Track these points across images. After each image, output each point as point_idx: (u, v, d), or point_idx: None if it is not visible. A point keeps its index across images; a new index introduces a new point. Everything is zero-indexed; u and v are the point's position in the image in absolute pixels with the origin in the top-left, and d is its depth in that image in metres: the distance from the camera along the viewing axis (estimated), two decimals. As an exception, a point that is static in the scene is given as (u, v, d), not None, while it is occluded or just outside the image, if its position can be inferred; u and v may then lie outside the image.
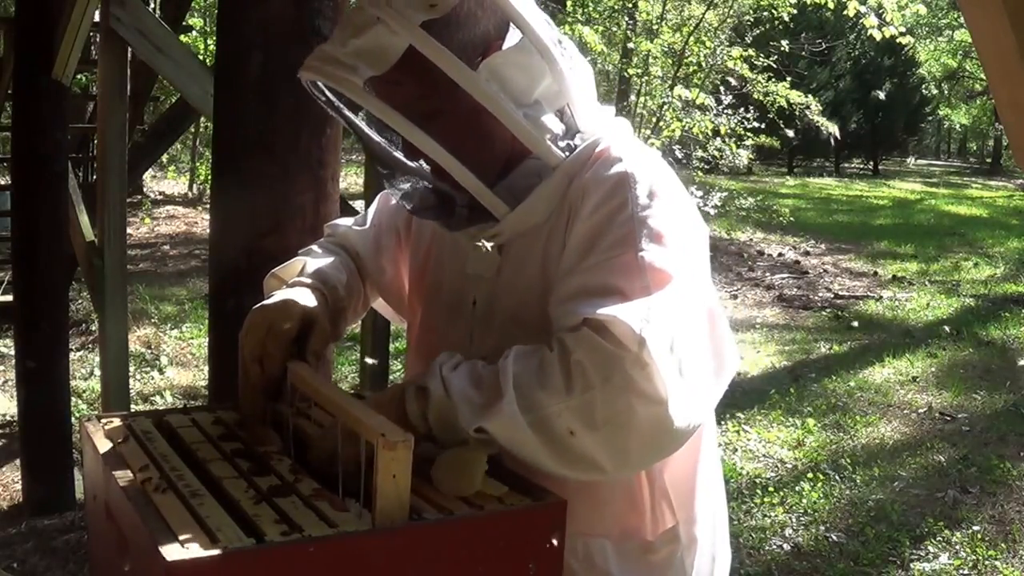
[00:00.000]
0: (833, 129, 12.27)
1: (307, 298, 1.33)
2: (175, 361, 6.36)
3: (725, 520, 1.43)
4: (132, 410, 4.06)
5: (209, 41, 12.62)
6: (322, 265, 1.44)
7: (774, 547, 3.91)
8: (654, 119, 10.93)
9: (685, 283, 1.13)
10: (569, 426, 1.06)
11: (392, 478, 0.98)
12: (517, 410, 1.07)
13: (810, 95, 12.58)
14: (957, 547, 3.90)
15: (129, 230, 5.21)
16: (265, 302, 1.32)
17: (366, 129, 1.24)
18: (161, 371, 6.12)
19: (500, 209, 1.22)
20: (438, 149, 1.18)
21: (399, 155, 1.23)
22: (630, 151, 1.22)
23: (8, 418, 5.14)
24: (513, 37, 1.20)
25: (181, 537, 0.94)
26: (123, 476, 1.10)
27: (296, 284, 1.38)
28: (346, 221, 1.60)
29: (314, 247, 1.53)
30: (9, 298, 5.15)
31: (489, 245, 1.27)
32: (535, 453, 1.09)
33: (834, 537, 3.99)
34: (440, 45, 1.13)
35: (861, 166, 27.87)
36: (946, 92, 34.59)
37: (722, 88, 11.38)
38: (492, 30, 1.20)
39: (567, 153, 1.22)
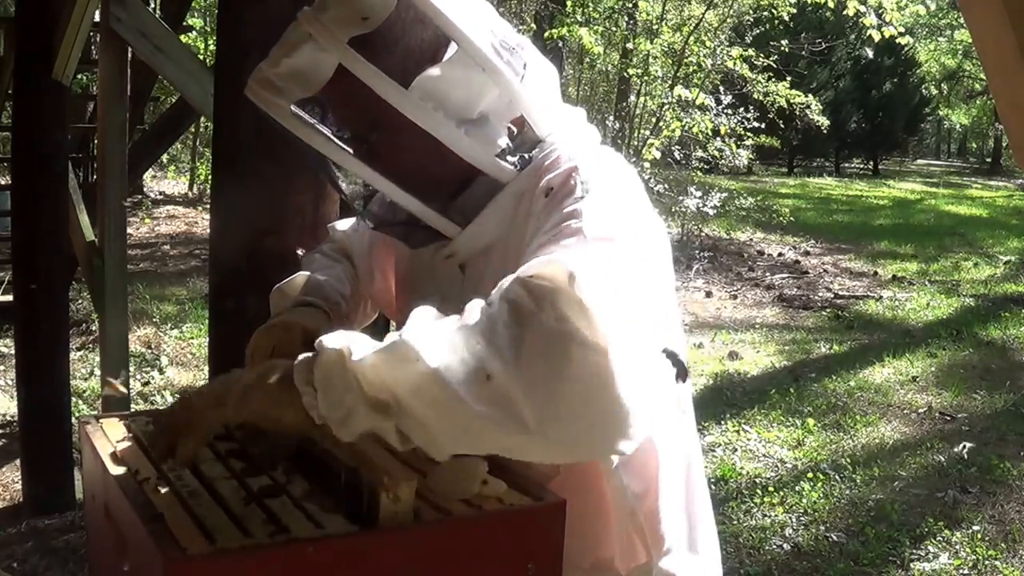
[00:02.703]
0: (824, 121, 12.29)
1: (309, 318, 1.32)
2: (175, 361, 6.36)
3: (712, 558, 1.35)
4: (132, 410, 4.06)
5: (209, 41, 12.62)
6: (324, 278, 1.43)
7: (774, 547, 3.91)
8: (654, 119, 10.93)
9: (634, 252, 1.05)
10: (486, 367, 0.88)
11: (394, 515, 0.99)
12: (419, 343, 0.90)
13: (810, 95, 12.59)
14: (957, 547, 3.90)
15: (129, 230, 5.21)
16: (268, 324, 1.31)
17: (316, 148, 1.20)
18: (161, 371, 6.12)
19: (450, 230, 1.20)
20: (373, 174, 1.15)
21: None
22: (583, 154, 1.17)
23: (8, 418, 5.14)
24: (454, 50, 1.14)
25: (178, 537, 0.94)
26: (122, 476, 1.10)
27: (300, 303, 1.37)
28: (345, 224, 1.60)
29: (317, 256, 1.53)
30: (9, 298, 5.15)
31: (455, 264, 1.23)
32: (437, 403, 0.89)
33: (834, 537, 3.99)
34: (367, 63, 1.08)
35: (861, 166, 27.87)
36: (946, 92, 34.59)
37: (722, 88, 11.38)
38: (430, 45, 1.14)
39: (520, 167, 1.18)
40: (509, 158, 1.19)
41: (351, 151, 1.19)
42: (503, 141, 1.18)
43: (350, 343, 0.93)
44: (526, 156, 1.19)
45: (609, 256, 1.00)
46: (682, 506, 1.28)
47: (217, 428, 1.00)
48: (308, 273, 1.45)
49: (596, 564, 1.22)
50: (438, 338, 0.91)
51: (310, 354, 0.95)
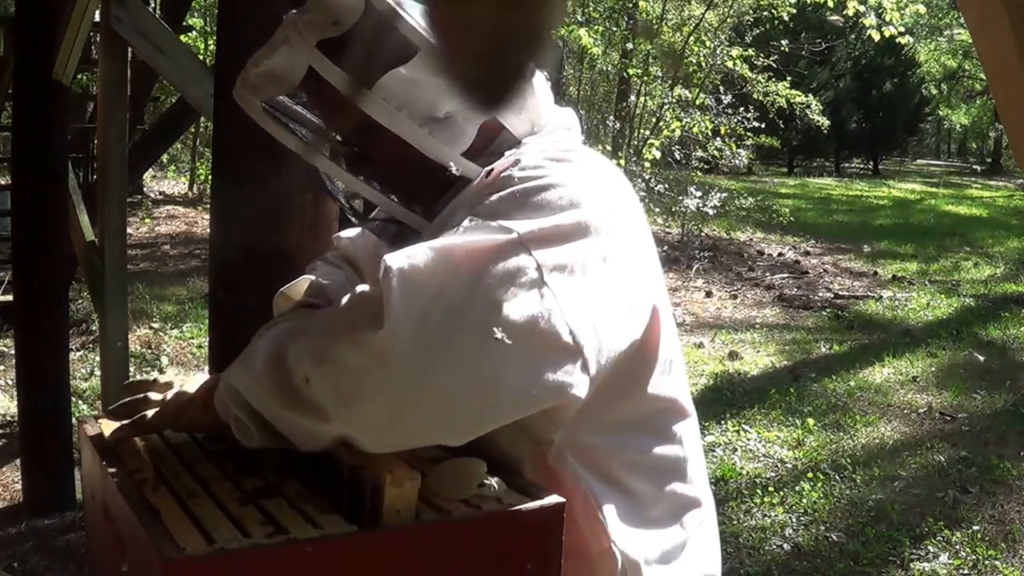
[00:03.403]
0: (824, 121, 12.30)
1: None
2: (175, 361, 6.36)
3: (708, 548, 1.32)
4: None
5: (209, 41, 12.62)
6: (327, 283, 1.44)
7: (774, 547, 3.91)
8: (654, 119, 10.93)
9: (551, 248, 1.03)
10: (306, 371, 1.00)
11: (397, 513, 0.99)
12: (263, 356, 1.06)
13: (810, 95, 12.60)
14: (957, 547, 3.90)
15: (129, 230, 5.21)
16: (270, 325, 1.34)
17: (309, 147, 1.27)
18: (161, 371, 6.11)
19: (418, 223, 1.23)
20: (342, 173, 1.21)
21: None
22: (545, 153, 1.16)
23: (8, 418, 5.14)
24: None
25: (177, 537, 0.94)
26: (120, 476, 1.10)
27: (303, 304, 1.38)
28: (350, 232, 1.61)
29: (319, 263, 1.55)
30: (9, 298, 5.15)
31: None
32: (270, 404, 1.04)
33: (834, 537, 3.99)
34: (331, 64, 1.12)
35: (861, 166, 27.88)
36: (946, 92, 34.59)
37: (722, 88, 11.38)
38: (398, 48, 1.16)
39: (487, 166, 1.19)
40: (482, 156, 1.20)
41: (320, 151, 1.24)
42: (468, 140, 1.20)
43: (240, 359, 1.11)
44: (498, 155, 1.20)
45: (483, 254, 1.01)
46: (657, 495, 1.25)
47: (160, 430, 1.22)
48: (312, 277, 1.46)
49: (568, 548, 1.21)
50: (270, 349, 1.06)
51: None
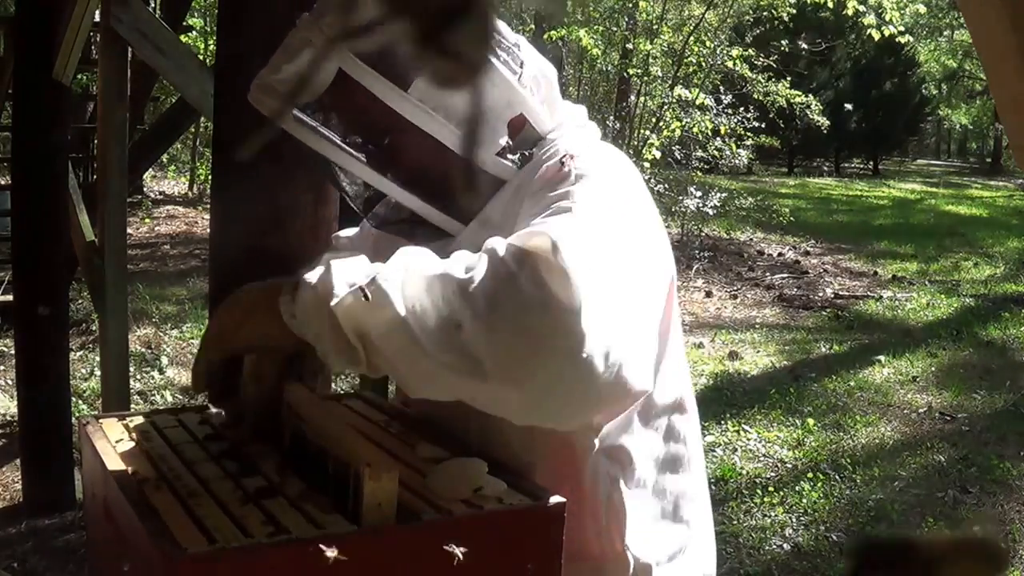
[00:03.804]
0: (824, 121, 12.30)
1: None
2: (175, 361, 6.36)
3: (705, 548, 1.35)
4: (132, 410, 4.06)
5: (209, 41, 12.62)
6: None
7: (774, 547, 3.91)
8: (654, 119, 10.93)
9: (620, 235, 1.06)
10: (458, 317, 0.92)
11: (378, 506, 0.98)
12: (395, 289, 0.94)
13: (810, 95, 12.59)
14: (957, 547, 3.89)
15: (129, 230, 5.21)
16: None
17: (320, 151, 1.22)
18: (161, 371, 6.12)
19: (453, 227, 1.22)
20: (377, 176, 1.18)
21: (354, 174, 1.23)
22: (583, 146, 1.19)
23: (8, 418, 5.14)
24: None
25: (179, 537, 0.94)
26: (121, 476, 1.10)
27: None
28: (349, 232, 1.62)
29: (326, 256, 1.55)
30: (9, 298, 5.15)
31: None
32: (405, 348, 0.94)
33: (834, 537, 3.99)
34: (367, 68, 1.10)
35: (861, 166, 27.87)
36: (946, 92, 34.59)
37: (722, 88, 11.38)
38: None
39: (520, 164, 1.19)
40: (509, 156, 1.20)
41: (355, 154, 1.20)
42: (503, 139, 1.19)
43: (330, 280, 0.99)
44: (526, 153, 1.21)
45: (594, 232, 1.02)
46: (664, 495, 1.27)
47: (225, 354, 1.17)
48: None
49: (577, 553, 1.22)
50: (414, 284, 0.95)
51: (293, 284, 1.04)
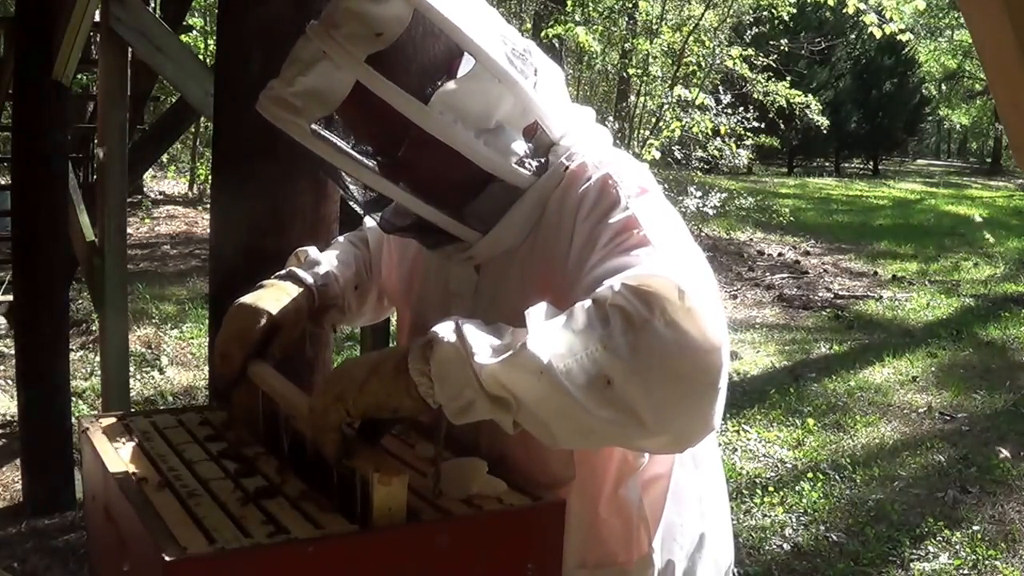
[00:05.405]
0: (824, 121, 12.29)
1: (286, 297, 1.37)
2: (175, 361, 6.36)
3: (720, 539, 1.38)
4: (132, 410, 4.06)
5: (209, 41, 12.63)
6: (330, 255, 1.50)
7: (774, 547, 3.91)
8: (654, 119, 10.92)
9: (693, 251, 1.09)
10: (606, 373, 0.93)
11: (388, 511, 0.99)
12: (542, 353, 0.94)
13: (810, 95, 12.59)
14: (957, 547, 3.90)
15: (129, 230, 5.21)
16: (244, 299, 1.35)
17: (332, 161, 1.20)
18: (161, 371, 6.12)
19: (471, 236, 1.20)
20: (394, 188, 1.16)
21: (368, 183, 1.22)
22: (607, 159, 1.19)
23: (8, 418, 5.14)
24: (468, 61, 1.13)
25: (179, 537, 0.94)
26: (121, 476, 1.10)
27: (289, 276, 1.43)
28: (354, 235, 1.64)
29: (342, 238, 1.59)
30: (9, 298, 5.15)
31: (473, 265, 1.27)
32: (560, 408, 0.95)
33: (834, 537, 3.99)
34: (386, 80, 1.08)
35: (861, 166, 27.88)
36: (946, 92, 34.59)
37: (722, 88, 11.38)
38: (444, 57, 1.13)
39: (537, 172, 1.19)
40: (527, 163, 1.19)
41: (371, 166, 1.18)
42: (520, 148, 1.19)
43: (468, 340, 0.98)
44: (542, 161, 1.20)
45: (687, 260, 1.05)
46: (685, 493, 1.31)
47: (343, 421, 1.04)
48: (316, 249, 1.52)
49: (601, 560, 1.24)
50: (556, 344, 0.95)
51: (424, 342, 1.01)
